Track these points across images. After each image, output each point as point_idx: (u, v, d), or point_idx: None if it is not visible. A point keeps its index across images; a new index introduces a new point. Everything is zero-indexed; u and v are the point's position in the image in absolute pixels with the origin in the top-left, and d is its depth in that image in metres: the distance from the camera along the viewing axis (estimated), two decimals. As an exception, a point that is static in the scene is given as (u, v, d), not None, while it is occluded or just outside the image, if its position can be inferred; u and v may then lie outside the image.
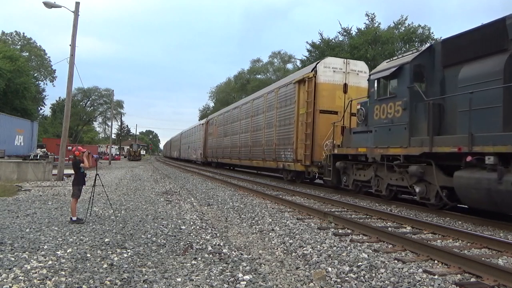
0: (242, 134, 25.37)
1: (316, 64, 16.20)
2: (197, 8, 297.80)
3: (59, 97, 74.53)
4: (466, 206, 9.75)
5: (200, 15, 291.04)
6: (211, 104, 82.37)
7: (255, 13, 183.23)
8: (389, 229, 7.67)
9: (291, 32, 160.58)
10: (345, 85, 16.04)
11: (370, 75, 12.17)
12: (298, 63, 48.05)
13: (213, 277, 4.70)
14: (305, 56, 41.09)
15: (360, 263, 5.30)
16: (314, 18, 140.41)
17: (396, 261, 5.50)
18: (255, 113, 22.99)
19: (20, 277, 4.50)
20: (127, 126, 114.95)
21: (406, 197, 11.89)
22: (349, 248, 6.12)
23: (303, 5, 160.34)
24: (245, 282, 4.54)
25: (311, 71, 16.10)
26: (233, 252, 5.90)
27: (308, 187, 16.67)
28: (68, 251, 5.66)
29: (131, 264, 5.12)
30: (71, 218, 7.94)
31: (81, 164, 8.24)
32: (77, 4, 19.18)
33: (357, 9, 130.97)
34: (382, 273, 4.94)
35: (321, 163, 15.06)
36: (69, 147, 23.47)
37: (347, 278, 4.80)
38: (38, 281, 4.38)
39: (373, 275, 4.91)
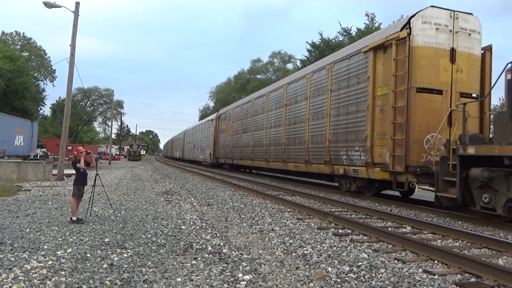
0: (271, 129, 20.27)
1: (411, 19, 11.03)
2: (197, 8, 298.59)
3: (59, 97, 74.70)
4: (465, 206, 9.68)
5: (200, 15, 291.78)
6: (211, 104, 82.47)
7: (255, 13, 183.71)
8: (389, 229, 7.67)
9: (291, 32, 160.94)
10: (453, 51, 10.96)
11: None
12: (298, 63, 48.11)
13: (213, 277, 4.70)
14: (305, 56, 41.13)
15: (360, 263, 5.30)
16: (314, 18, 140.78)
17: (396, 261, 5.50)
18: (292, 100, 17.69)
19: (20, 277, 4.50)
20: (127, 126, 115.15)
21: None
22: (349, 248, 6.12)
23: (302, 5, 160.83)
24: (245, 282, 4.54)
25: (402, 30, 11.02)
26: (233, 252, 5.90)
27: (308, 187, 16.57)
28: (68, 251, 5.66)
29: (131, 264, 5.12)
30: (71, 218, 7.94)
31: (77, 164, 8.24)
32: (77, 4, 19.19)
33: (356, 9, 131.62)
34: (382, 273, 4.95)
35: (419, 169, 10.34)
36: (69, 147, 23.49)
37: (347, 278, 4.80)
38: (38, 281, 4.38)
39: (373, 275, 4.91)
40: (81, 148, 8.54)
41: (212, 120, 35.04)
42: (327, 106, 14.41)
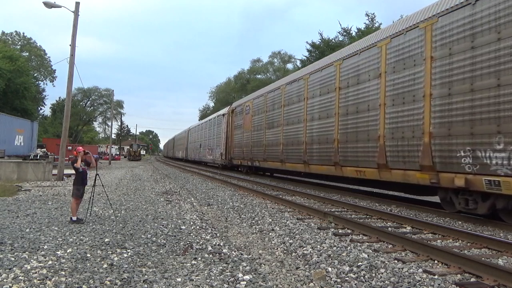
0: (313, 121, 15.27)
1: None
2: (197, 8, 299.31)
3: (59, 97, 74.93)
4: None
5: (200, 15, 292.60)
6: (211, 104, 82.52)
7: (255, 13, 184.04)
8: (389, 229, 7.66)
9: (291, 32, 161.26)
10: None
11: None
12: (298, 63, 48.14)
13: (213, 277, 4.70)
14: (305, 56, 41.18)
15: (360, 263, 5.30)
16: (314, 18, 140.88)
17: (396, 261, 5.50)
18: (350, 81, 12.80)
19: (20, 277, 4.50)
20: (127, 126, 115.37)
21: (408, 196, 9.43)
22: (349, 248, 6.12)
23: (302, 5, 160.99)
24: (245, 282, 4.54)
25: None
26: (233, 252, 5.90)
27: (308, 187, 16.59)
28: (68, 251, 5.66)
29: (131, 264, 5.12)
30: (71, 218, 7.94)
31: (74, 164, 8.26)
32: (77, 4, 19.20)
33: (356, 9, 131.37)
34: (382, 273, 4.95)
35: None
36: (69, 147, 23.51)
37: (347, 278, 4.80)
38: (38, 281, 4.38)
39: (373, 275, 4.91)
40: (81, 148, 8.55)
41: (223, 115, 29.93)
42: (424, 83, 9.68)
